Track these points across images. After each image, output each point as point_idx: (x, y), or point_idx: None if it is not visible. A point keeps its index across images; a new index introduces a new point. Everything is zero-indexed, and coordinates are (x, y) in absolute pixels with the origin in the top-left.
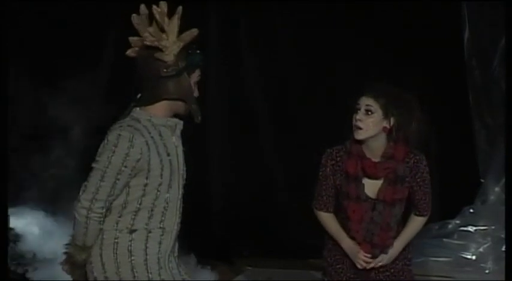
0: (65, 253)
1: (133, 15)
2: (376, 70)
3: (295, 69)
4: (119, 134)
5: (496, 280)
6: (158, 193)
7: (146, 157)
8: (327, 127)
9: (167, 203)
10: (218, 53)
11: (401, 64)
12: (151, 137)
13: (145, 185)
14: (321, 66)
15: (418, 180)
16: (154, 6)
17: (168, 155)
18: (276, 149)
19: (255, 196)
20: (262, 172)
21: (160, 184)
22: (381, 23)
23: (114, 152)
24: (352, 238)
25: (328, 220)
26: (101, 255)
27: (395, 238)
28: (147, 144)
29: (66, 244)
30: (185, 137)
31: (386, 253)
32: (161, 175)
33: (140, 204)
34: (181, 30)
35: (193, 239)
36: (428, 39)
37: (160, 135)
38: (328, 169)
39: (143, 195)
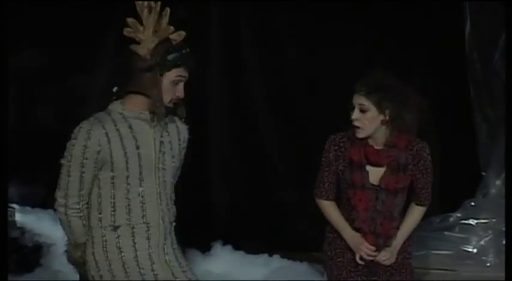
0: (65, 251)
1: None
2: (377, 64)
3: (296, 68)
4: (80, 127)
5: (496, 273)
6: (128, 186)
7: (107, 148)
8: (327, 125)
9: (142, 197)
10: (218, 52)
11: (403, 58)
12: (117, 129)
13: (113, 177)
14: (322, 64)
15: (421, 168)
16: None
17: (138, 148)
18: (277, 145)
19: (255, 191)
20: (263, 167)
21: (127, 177)
22: (383, 17)
23: (74, 145)
24: (357, 228)
25: (330, 208)
26: (93, 254)
27: (398, 228)
28: (106, 136)
29: (65, 244)
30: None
31: (390, 244)
32: (127, 167)
33: (114, 198)
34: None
35: (194, 234)
36: (430, 33)
37: (130, 128)
38: (331, 155)
39: (113, 188)
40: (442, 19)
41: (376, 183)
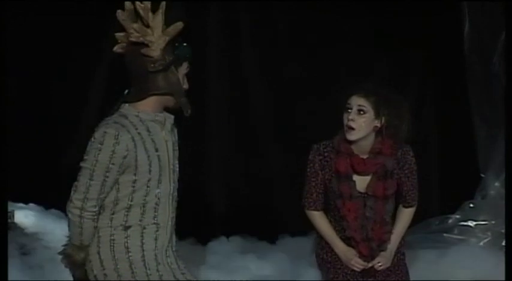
0: (63, 252)
1: (119, 11)
2: (376, 66)
3: (296, 68)
4: (105, 132)
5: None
6: (148, 188)
7: (133, 153)
8: (328, 124)
9: (158, 198)
10: (218, 50)
11: (401, 59)
12: (138, 133)
13: (134, 181)
14: (322, 64)
15: (406, 171)
16: (137, 2)
17: (157, 150)
18: (275, 146)
19: (254, 194)
20: (261, 170)
21: (149, 180)
22: (381, 18)
23: (100, 150)
24: (349, 237)
25: (319, 219)
26: (98, 253)
27: (391, 232)
28: (133, 140)
29: (64, 245)
30: (183, 134)
31: (384, 249)
32: (149, 170)
33: (131, 200)
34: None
35: (190, 236)
36: (428, 35)
37: (148, 130)
38: (316, 165)
39: (133, 191)
40: (441, 19)
41: (363, 190)
